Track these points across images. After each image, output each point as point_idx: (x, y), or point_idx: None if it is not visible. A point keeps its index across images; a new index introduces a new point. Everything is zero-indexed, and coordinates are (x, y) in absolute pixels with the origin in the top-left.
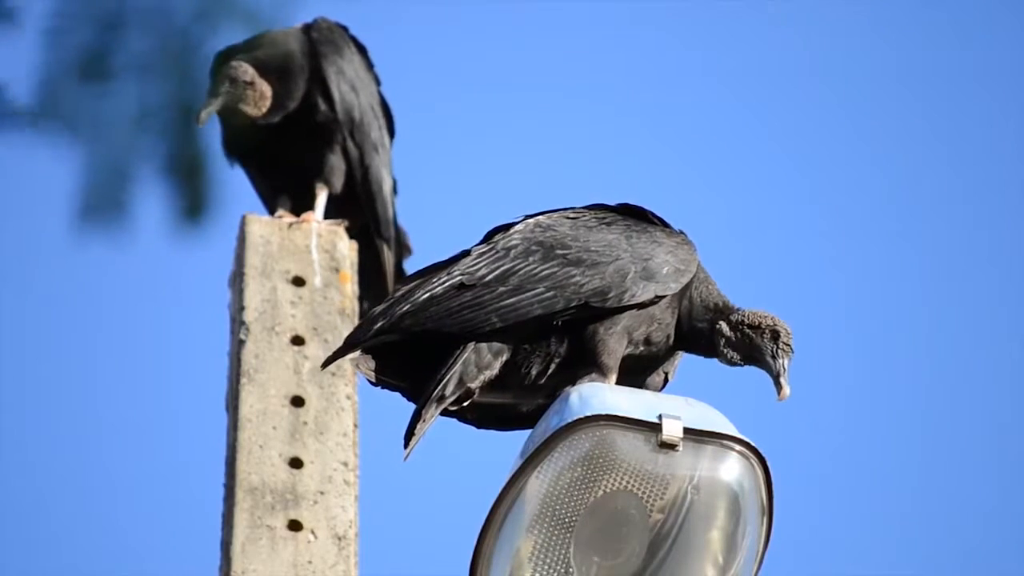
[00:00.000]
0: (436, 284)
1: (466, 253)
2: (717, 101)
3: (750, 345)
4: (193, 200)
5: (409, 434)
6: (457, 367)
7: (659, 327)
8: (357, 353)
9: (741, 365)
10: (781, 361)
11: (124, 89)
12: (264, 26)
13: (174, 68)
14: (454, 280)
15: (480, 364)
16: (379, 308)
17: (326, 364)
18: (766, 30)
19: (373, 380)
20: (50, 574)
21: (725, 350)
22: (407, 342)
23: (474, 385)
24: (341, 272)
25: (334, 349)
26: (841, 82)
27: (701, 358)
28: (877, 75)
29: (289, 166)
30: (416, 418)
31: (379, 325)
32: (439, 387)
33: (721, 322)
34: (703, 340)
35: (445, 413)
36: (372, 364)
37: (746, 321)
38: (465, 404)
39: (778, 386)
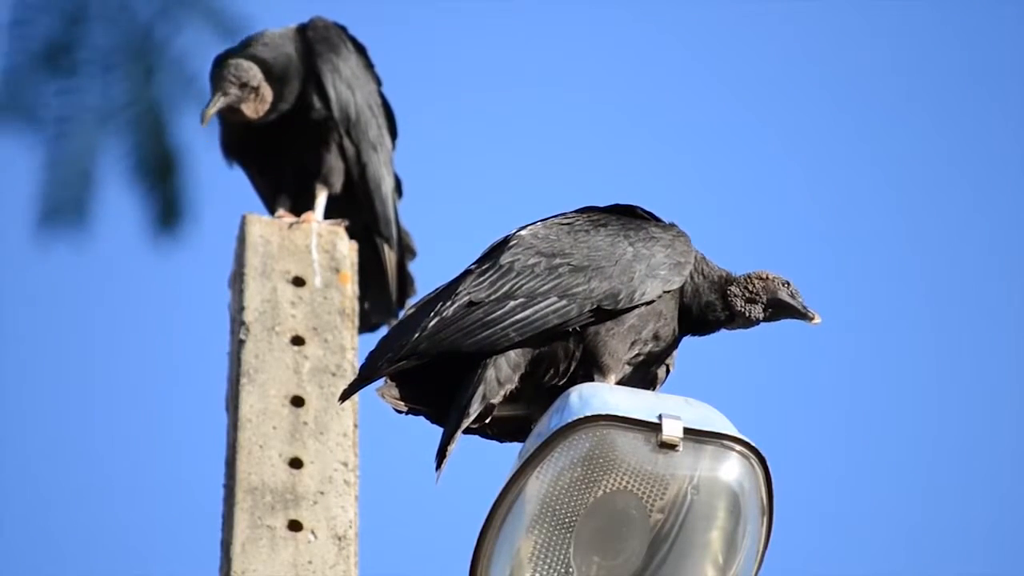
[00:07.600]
0: (444, 307)
1: (467, 273)
2: (717, 101)
3: (769, 299)
4: (166, 206)
5: (441, 456)
6: (480, 385)
7: (665, 322)
8: (382, 383)
9: (760, 321)
10: (789, 291)
11: (88, 85)
12: (228, 26)
13: (137, 65)
14: (462, 300)
15: (500, 379)
16: (386, 337)
17: (343, 398)
18: (766, 30)
19: (403, 409)
20: (50, 574)
21: (747, 308)
22: (418, 368)
23: (496, 400)
24: (341, 272)
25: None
26: (841, 81)
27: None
28: (877, 73)
29: (288, 166)
30: (446, 440)
31: (392, 354)
32: (465, 406)
33: (730, 288)
34: (716, 313)
35: (467, 431)
36: (396, 392)
37: (751, 288)
38: (487, 420)
39: (808, 316)
